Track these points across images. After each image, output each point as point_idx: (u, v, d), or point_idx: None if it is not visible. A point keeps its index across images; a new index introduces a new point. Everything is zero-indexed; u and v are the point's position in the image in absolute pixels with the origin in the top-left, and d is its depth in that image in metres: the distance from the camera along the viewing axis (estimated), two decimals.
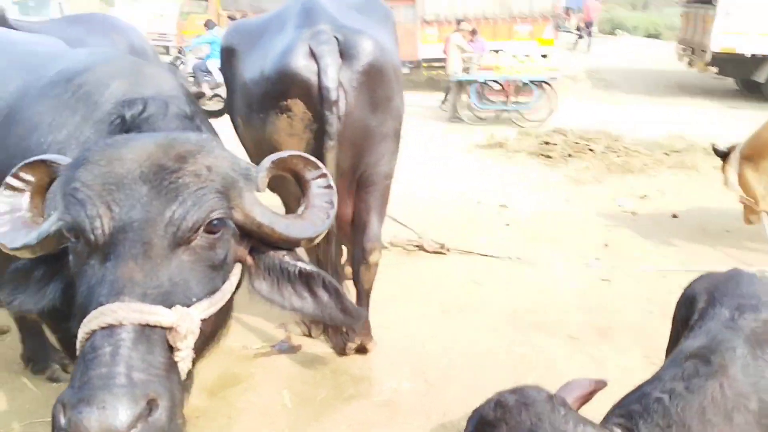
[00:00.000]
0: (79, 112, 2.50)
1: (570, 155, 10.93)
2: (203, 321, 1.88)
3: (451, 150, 11.87)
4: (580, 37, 26.55)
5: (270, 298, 2.16)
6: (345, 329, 4.18)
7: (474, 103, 15.23)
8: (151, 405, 1.61)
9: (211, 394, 4.03)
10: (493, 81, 14.99)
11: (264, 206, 2.08)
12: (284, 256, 2.16)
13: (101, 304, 1.71)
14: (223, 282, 2.00)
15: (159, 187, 1.86)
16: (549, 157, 10.94)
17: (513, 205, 8.40)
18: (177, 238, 1.84)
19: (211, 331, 2.03)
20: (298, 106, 3.77)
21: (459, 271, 6.19)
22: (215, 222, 1.92)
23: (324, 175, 2.24)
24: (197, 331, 1.84)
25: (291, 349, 4.57)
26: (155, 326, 1.73)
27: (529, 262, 6.44)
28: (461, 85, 15.25)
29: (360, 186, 4.06)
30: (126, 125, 2.33)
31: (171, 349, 1.77)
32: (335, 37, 3.75)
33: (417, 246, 6.68)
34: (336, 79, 3.67)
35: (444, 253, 6.58)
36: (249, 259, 2.14)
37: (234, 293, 2.11)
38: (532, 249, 6.84)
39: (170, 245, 1.84)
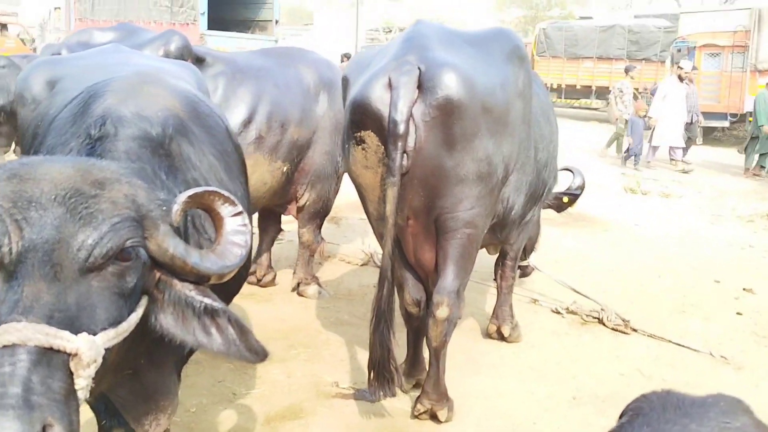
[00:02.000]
0: (77, 123, 2.68)
1: None
2: (106, 351, 1.85)
3: (726, 215, 10.05)
4: None
5: (175, 333, 2.09)
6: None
7: None
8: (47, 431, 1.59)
9: (266, 422, 3.96)
10: None
11: (178, 238, 2.05)
12: (191, 291, 2.10)
13: (4, 322, 1.70)
14: (129, 313, 1.97)
15: (74, 211, 1.86)
16: None
17: (766, 292, 6.71)
18: (89, 264, 1.83)
19: (111, 362, 1.96)
20: (371, 138, 3.55)
21: (630, 355, 5.14)
22: (129, 250, 1.91)
23: (240, 213, 2.17)
24: (100, 361, 1.81)
25: (372, 398, 4.28)
26: (58, 350, 1.70)
27: (737, 365, 5.06)
28: None
29: (438, 231, 3.64)
30: (90, 143, 2.44)
31: (71, 376, 1.75)
32: (419, 68, 3.45)
33: (596, 318, 5.74)
34: (405, 112, 3.36)
35: (626, 333, 5.53)
36: (156, 292, 2.09)
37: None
38: (756, 350, 5.38)
39: (81, 270, 1.83)
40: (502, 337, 5.26)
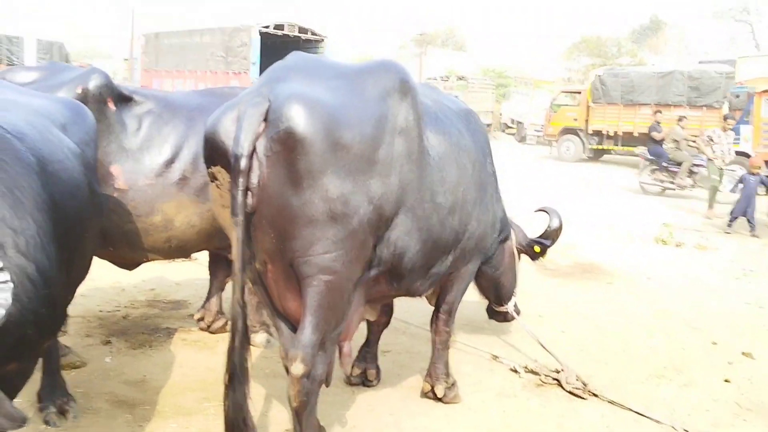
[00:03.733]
0: None
1: None
2: None
3: (760, 271, 9.15)
4: None
5: None
6: None
7: None
8: None
9: None
10: None
11: None
12: None
13: None
14: None
15: None
16: None
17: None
18: None
19: None
20: (222, 175, 3.30)
21: (578, 425, 4.54)
22: None
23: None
24: None
25: None
26: None
27: None
28: None
29: (298, 278, 3.31)
30: None
31: None
32: (269, 100, 3.19)
33: (555, 379, 5.17)
34: (247, 146, 3.10)
35: (583, 398, 4.93)
36: None
37: None
38: (730, 424, 4.68)
39: None
40: (437, 398, 4.79)
